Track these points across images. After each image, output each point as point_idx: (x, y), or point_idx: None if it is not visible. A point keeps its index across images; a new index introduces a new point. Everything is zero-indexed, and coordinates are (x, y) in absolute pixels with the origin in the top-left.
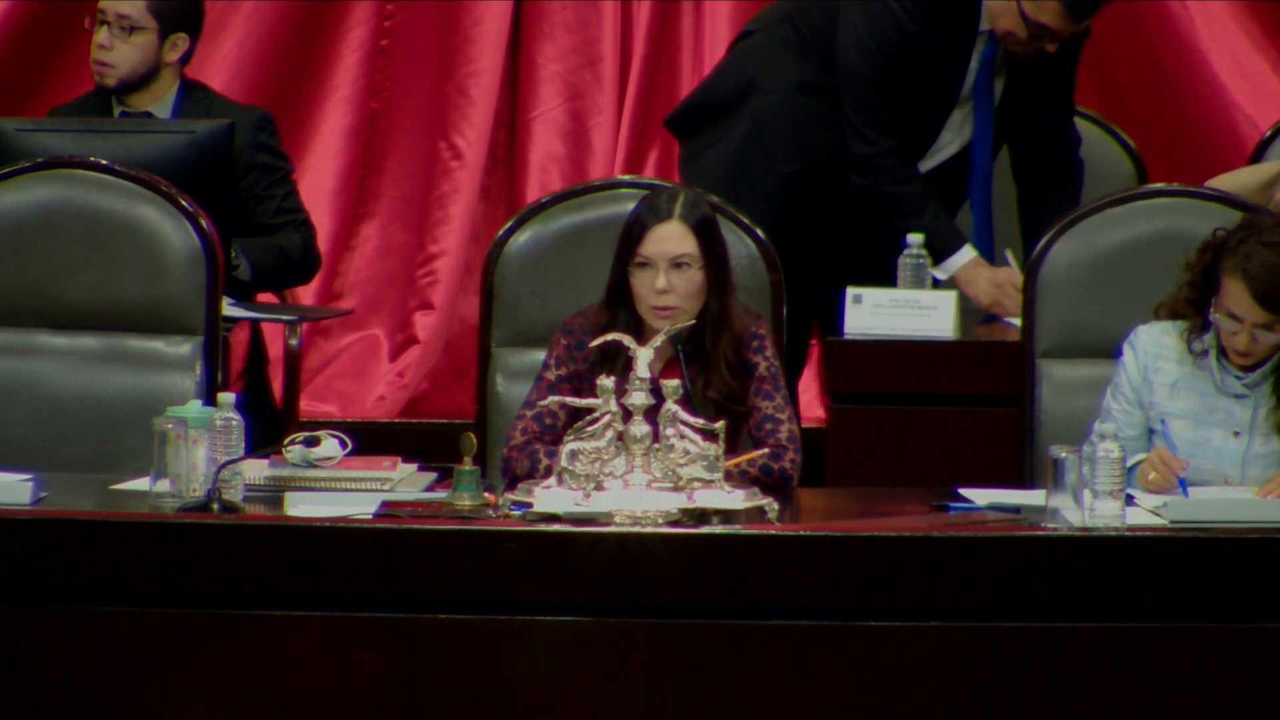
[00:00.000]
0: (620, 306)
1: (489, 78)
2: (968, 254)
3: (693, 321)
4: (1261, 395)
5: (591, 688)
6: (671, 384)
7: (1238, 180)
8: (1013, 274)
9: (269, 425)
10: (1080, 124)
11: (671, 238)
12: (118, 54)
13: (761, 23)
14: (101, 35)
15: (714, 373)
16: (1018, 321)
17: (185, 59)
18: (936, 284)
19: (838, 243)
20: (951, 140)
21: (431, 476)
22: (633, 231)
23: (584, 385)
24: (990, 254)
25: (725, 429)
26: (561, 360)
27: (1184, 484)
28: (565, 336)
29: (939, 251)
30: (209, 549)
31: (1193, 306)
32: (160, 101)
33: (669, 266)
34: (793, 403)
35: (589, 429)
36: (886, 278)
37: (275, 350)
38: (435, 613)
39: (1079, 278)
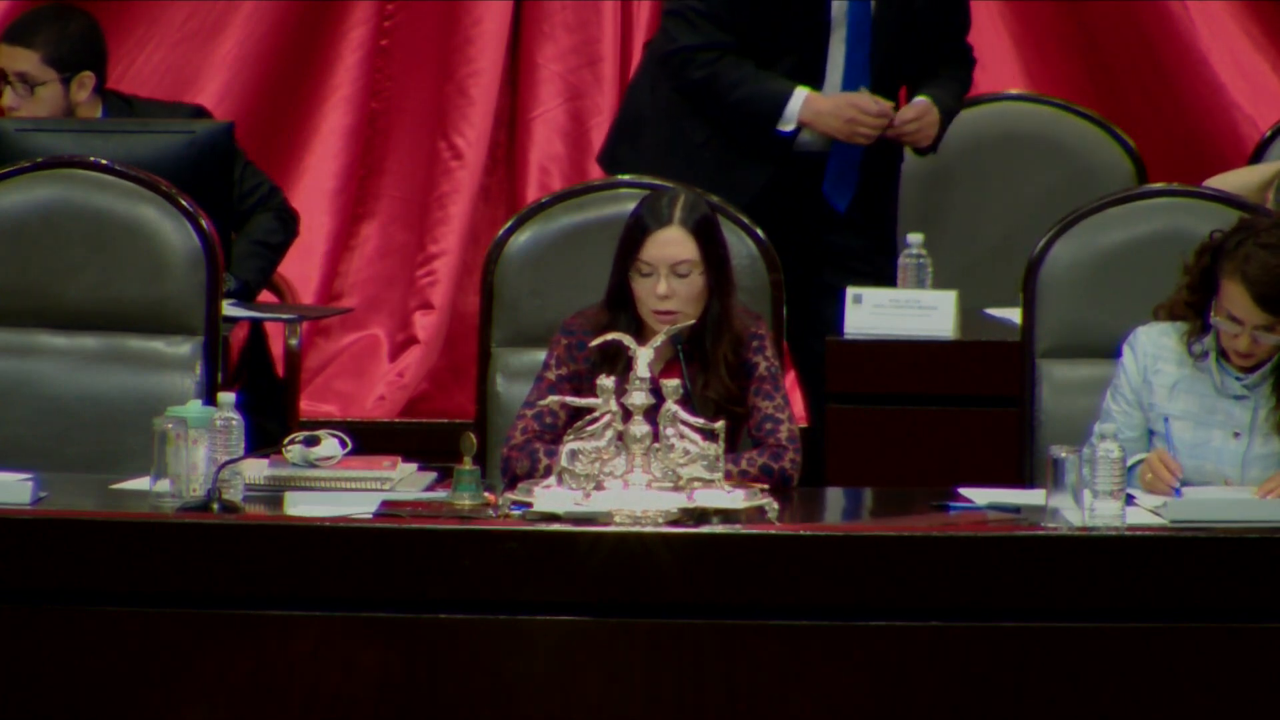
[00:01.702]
0: (621, 308)
1: (489, 78)
2: (801, 94)
3: (693, 321)
4: (1261, 396)
5: (591, 688)
6: (671, 384)
7: (1237, 180)
8: (853, 96)
9: (279, 424)
10: (1080, 124)
11: (672, 243)
12: (27, 112)
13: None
14: (7, 98)
15: (713, 374)
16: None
17: (100, 86)
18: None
19: (808, 232)
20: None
21: (431, 476)
22: (633, 236)
23: (584, 385)
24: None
25: (725, 429)
26: (562, 360)
27: (1179, 492)
28: (565, 336)
29: (773, 108)
30: (209, 549)
31: (1192, 309)
32: None
33: (670, 273)
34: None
35: (589, 429)
36: (880, 269)
37: (275, 350)
38: (435, 613)
39: (1079, 278)
